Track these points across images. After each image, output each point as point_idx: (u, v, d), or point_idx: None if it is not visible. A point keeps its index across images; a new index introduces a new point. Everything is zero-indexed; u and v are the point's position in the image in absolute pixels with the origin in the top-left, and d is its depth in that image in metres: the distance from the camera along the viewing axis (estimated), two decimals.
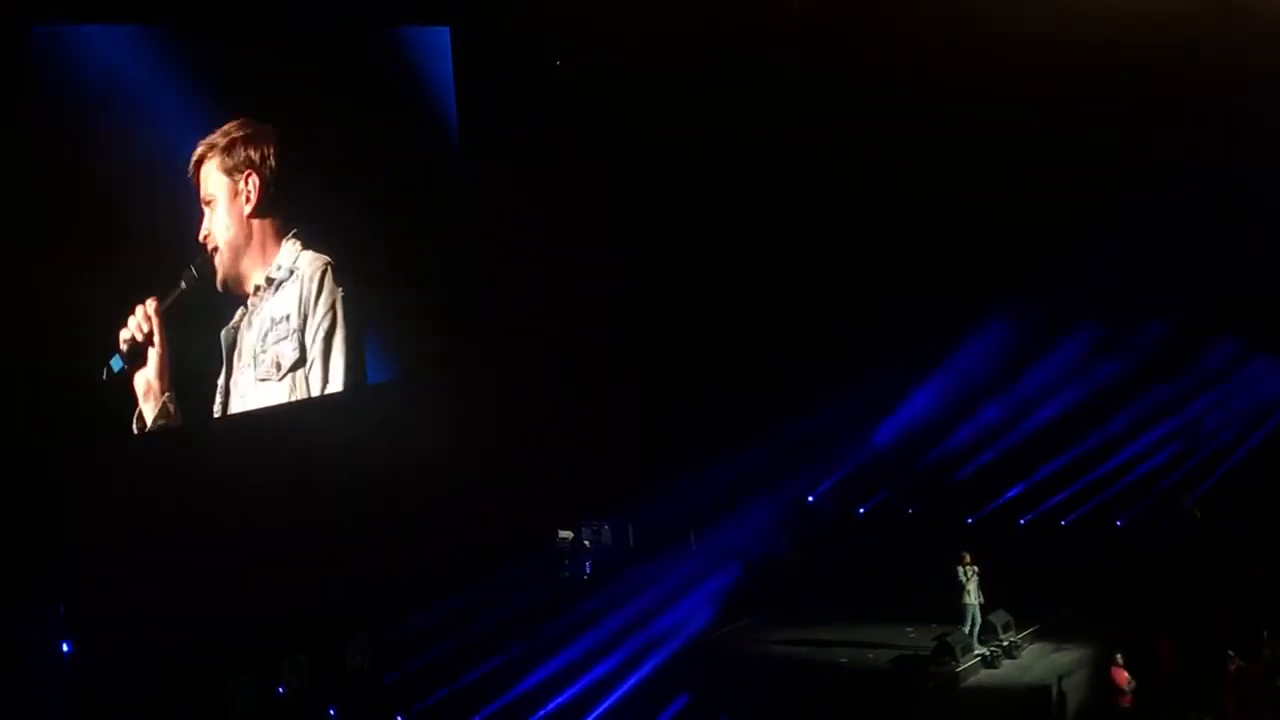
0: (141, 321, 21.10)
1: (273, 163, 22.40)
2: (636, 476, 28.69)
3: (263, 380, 22.86)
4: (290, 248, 22.96)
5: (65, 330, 20.10)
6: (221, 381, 22.38)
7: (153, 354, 21.24)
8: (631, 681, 22.66)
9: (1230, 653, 20.34)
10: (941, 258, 28.54)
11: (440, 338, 25.24)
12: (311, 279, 23.31)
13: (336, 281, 23.54)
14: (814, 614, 25.62)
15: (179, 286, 21.47)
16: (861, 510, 30.51)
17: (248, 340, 22.67)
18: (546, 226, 27.26)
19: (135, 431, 21.26)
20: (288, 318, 23.08)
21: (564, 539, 28.08)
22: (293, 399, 23.10)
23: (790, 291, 29.89)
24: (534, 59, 26.44)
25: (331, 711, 22.18)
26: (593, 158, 28.57)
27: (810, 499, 30.34)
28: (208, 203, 21.98)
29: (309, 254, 23.22)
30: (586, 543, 28.27)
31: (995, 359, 29.51)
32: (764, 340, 29.59)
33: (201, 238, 21.88)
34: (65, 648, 19.71)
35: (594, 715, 21.88)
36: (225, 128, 22.02)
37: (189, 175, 21.72)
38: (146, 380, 21.32)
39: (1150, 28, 23.56)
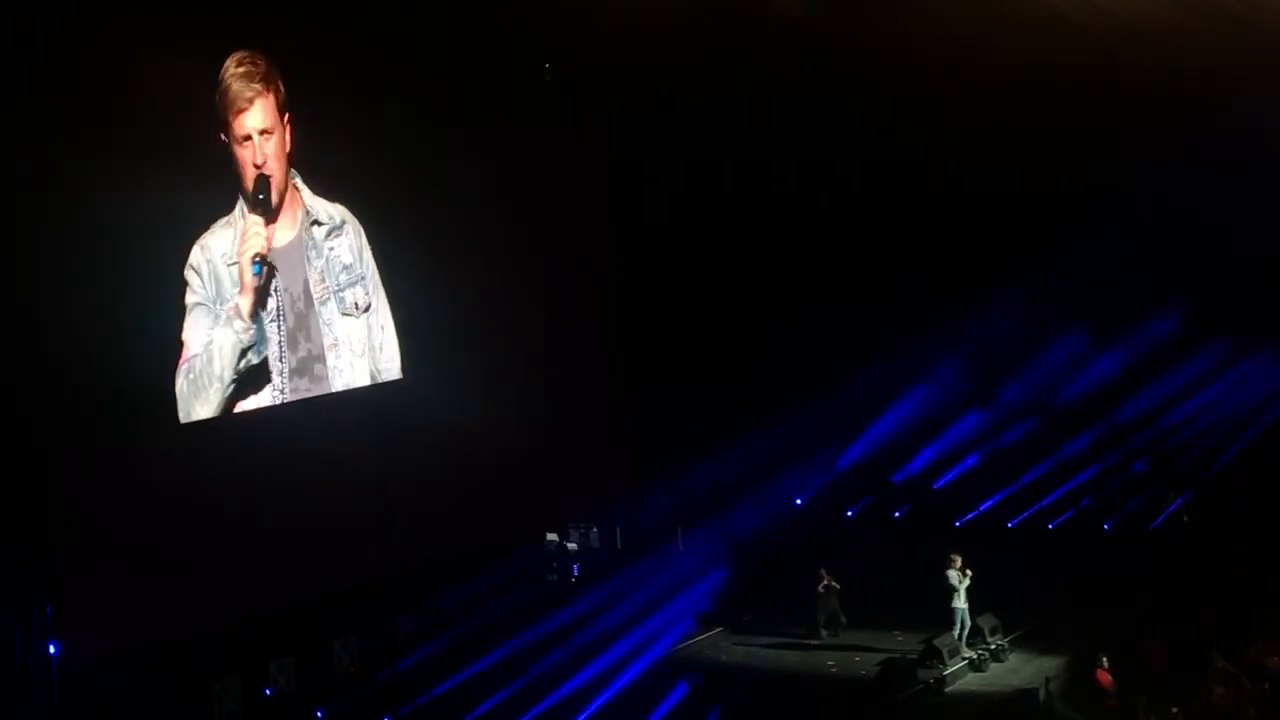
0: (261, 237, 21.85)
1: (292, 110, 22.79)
2: (624, 479, 28.67)
3: (346, 315, 23.85)
4: (309, 194, 23.26)
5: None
6: (301, 306, 23.04)
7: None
8: (617, 685, 22.70)
9: (1215, 653, 20.45)
10: (933, 258, 28.61)
11: (424, 340, 25.19)
12: (358, 233, 24.11)
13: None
14: (801, 619, 25.67)
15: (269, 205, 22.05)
16: (850, 513, 30.61)
17: (314, 271, 23.33)
18: (533, 229, 27.23)
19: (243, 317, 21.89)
20: (350, 266, 23.96)
21: (551, 541, 28.09)
22: (370, 339, 24.25)
23: (777, 295, 29.94)
24: (522, 60, 26.40)
25: (319, 713, 22.20)
26: (579, 160, 28.55)
27: (798, 501, 30.39)
28: (263, 132, 22.01)
29: (341, 206, 23.83)
30: (574, 545, 28.29)
31: (984, 360, 29.61)
32: (751, 343, 29.60)
33: (259, 164, 21.98)
34: (52, 649, 19.61)
35: (581, 718, 21.91)
36: (249, 61, 21.83)
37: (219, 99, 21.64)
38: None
39: (1155, 23, 23.55)
